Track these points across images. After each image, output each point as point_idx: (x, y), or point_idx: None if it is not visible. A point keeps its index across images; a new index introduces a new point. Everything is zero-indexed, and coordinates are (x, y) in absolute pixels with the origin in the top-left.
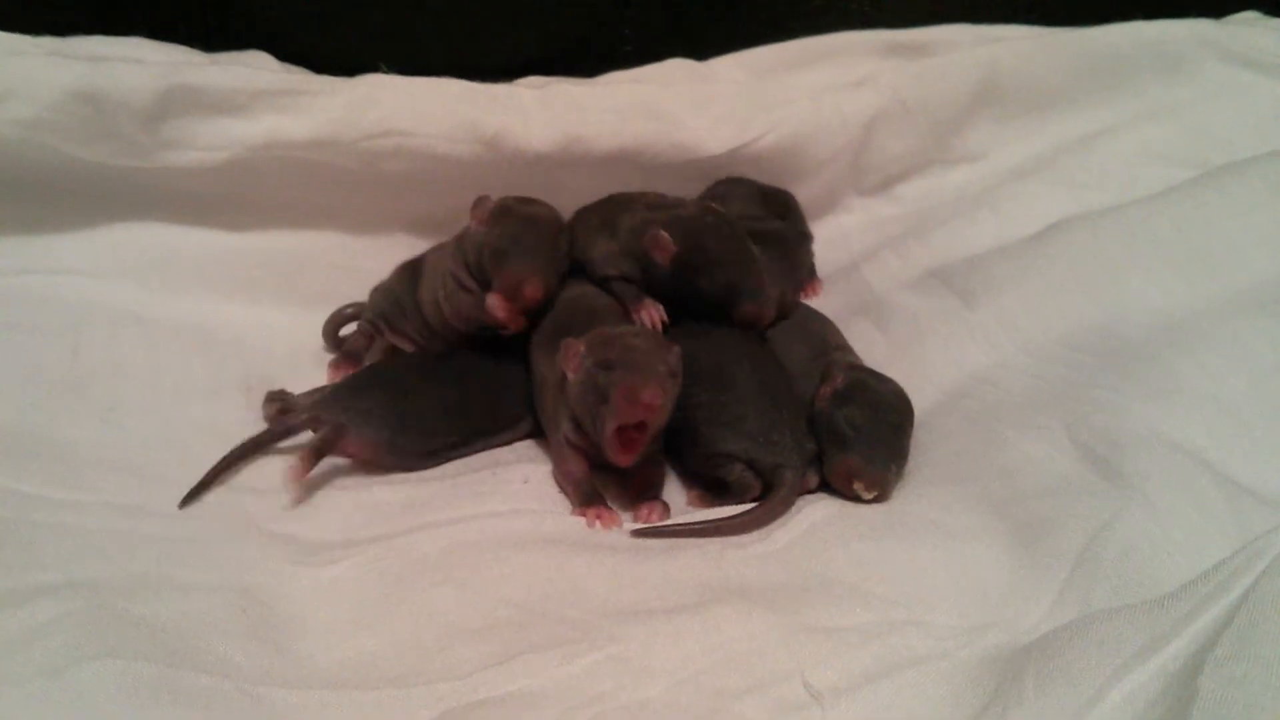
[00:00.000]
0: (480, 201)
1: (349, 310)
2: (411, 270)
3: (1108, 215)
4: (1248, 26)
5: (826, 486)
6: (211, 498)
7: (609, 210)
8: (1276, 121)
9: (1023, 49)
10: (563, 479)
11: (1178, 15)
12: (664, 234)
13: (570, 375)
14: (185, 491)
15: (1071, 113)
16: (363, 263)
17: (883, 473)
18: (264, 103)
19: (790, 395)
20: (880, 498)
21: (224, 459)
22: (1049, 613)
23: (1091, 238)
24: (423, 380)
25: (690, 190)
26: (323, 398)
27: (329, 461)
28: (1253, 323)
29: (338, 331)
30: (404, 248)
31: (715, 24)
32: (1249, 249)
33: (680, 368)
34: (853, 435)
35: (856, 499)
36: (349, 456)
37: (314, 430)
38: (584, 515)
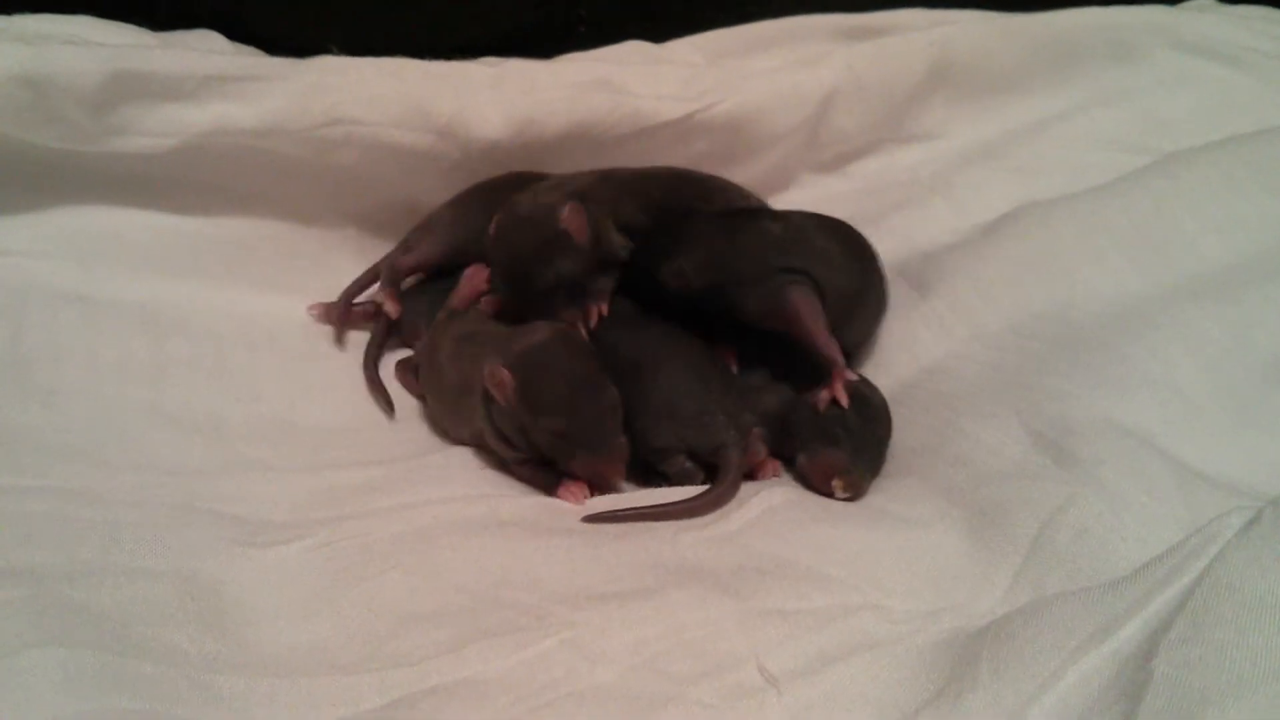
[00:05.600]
0: None
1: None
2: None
3: (1059, 203)
4: (1201, 14)
5: (788, 467)
6: (157, 480)
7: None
8: (1227, 109)
9: (977, 31)
10: (515, 479)
11: (1132, 1)
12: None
13: (501, 402)
14: (128, 475)
15: (1025, 97)
16: (310, 250)
17: (863, 478)
18: (212, 89)
19: (717, 372)
20: (852, 500)
21: (369, 371)
22: (1004, 597)
23: (1043, 225)
24: None
25: (643, 160)
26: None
27: (281, 440)
28: (1204, 308)
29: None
30: (353, 240)
31: (672, 7)
32: (1200, 236)
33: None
34: (843, 435)
35: (829, 495)
36: None
37: None
38: (562, 496)
